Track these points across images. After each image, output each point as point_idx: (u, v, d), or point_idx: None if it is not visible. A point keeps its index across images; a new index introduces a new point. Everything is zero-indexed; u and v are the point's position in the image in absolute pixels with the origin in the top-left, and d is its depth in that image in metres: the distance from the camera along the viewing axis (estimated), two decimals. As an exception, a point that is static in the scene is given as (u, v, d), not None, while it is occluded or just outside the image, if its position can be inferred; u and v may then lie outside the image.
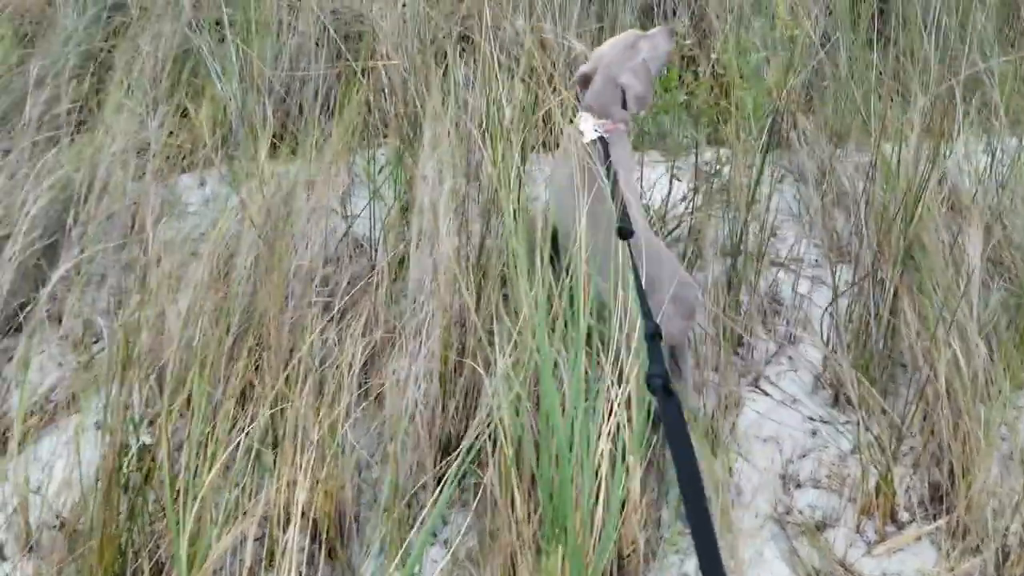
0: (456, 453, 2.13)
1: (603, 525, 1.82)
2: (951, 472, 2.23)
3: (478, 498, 2.10)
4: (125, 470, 2.02)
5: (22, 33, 4.02)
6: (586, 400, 1.88)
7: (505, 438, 1.93)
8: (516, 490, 1.91)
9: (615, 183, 2.35)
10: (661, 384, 1.59)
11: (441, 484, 2.11)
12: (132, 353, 2.05)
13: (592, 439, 1.87)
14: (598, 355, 2.01)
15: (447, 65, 3.32)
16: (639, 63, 2.58)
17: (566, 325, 2.01)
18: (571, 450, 1.79)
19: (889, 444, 2.22)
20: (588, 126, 2.52)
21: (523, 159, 2.84)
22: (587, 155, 2.43)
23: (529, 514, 1.93)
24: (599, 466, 1.85)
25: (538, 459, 1.88)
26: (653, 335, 1.81)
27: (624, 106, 2.56)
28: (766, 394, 2.58)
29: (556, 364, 1.94)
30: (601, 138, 2.49)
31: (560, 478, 1.75)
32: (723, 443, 2.39)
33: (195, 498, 1.95)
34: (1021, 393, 2.45)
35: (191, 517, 1.91)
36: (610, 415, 1.92)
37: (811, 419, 2.50)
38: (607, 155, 2.45)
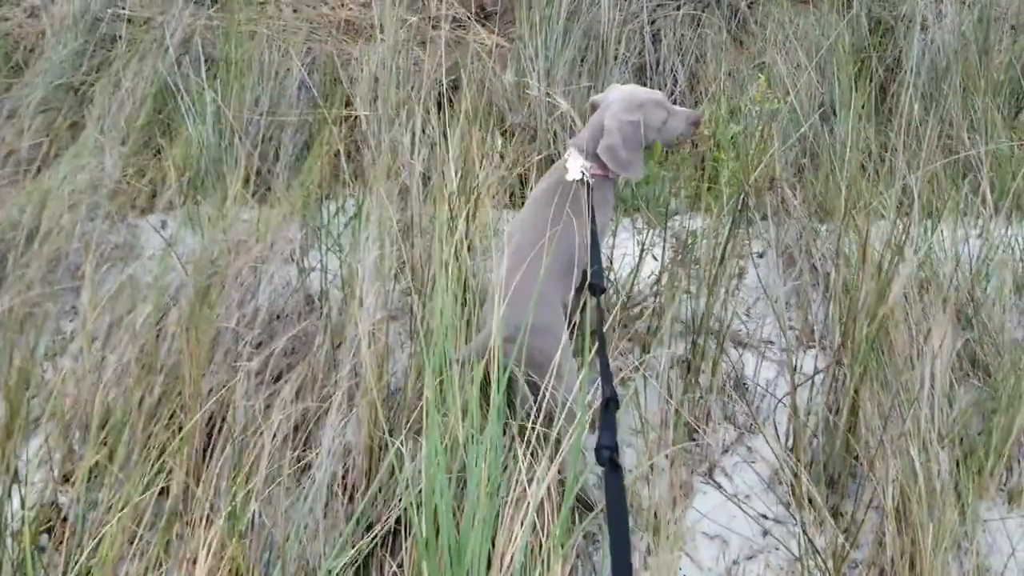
0: (371, 537, 2.01)
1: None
2: (902, 589, 2.08)
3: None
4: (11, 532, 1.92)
5: (13, 62, 4.00)
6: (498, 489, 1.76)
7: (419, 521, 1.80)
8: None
9: (593, 232, 2.24)
10: (608, 456, 1.60)
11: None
12: (22, 412, 1.94)
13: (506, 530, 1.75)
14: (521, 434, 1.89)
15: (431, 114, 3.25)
16: (633, 122, 2.40)
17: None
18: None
19: (835, 555, 2.07)
20: (575, 165, 2.41)
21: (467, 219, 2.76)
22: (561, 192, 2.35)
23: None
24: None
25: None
26: (608, 401, 1.75)
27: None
28: (719, 487, 2.43)
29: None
30: (585, 180, 2.38)
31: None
32: (668, 537, 2.24)
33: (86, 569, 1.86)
34: (985, 503, 2.30)
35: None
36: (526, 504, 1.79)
37: (764, 517, 2.35)
38: (588, 199, 2.34)
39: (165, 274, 2.50)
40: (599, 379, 1.83)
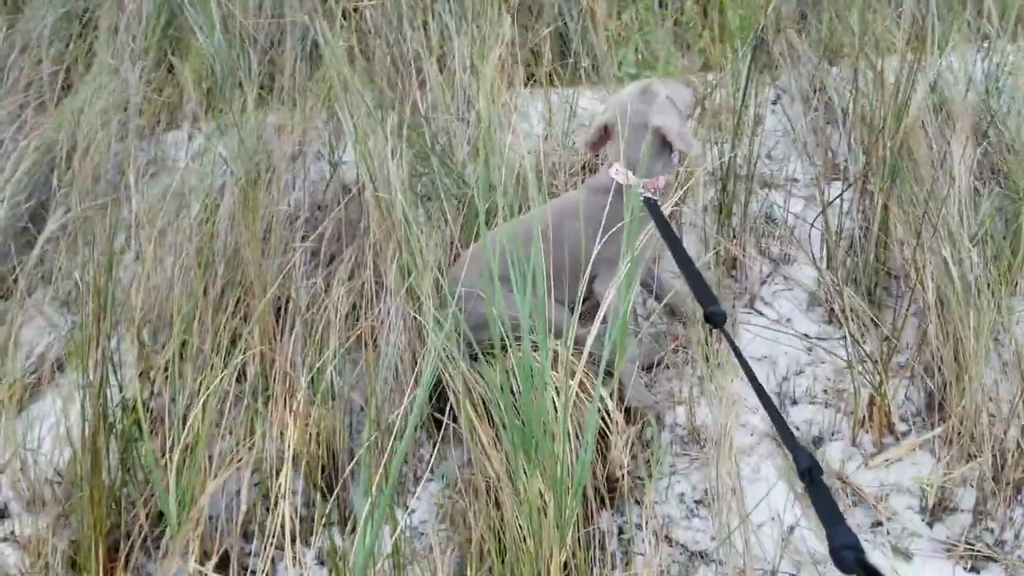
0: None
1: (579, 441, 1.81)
2: (945, 382, 2.20)
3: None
4: (113, 423, 2.04)
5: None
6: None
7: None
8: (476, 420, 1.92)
9: (681, 254, 2.03)
10: (857, 558, 1.25)
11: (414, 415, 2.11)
12: (108, 306, 2.05)
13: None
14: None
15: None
16: (664, 100, 2.28)
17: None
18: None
19: (882, 357, 2.19)
20: (631, 181, 2.23)
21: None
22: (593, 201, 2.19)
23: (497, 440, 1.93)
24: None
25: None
26: (810, 472, 1.47)
27: (666, 156, 2.30)
28: (761, 314, 2.55)
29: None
30: (648, 199, 2.19)
31: (523, 394, 1.73)
32: (720, 364, 2.37)
33: (186, 448, 1.98)
34: (1017, 298, 2.42)
35: (180, 466, 1.94)
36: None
37: (806, 336, 2.47)
38: (659, 219, 2.14)
39: (206, 178, 2.58)
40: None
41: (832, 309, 2.49)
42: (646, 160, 2.22)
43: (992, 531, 2.02)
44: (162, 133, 3.22)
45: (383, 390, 2.18)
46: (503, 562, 1.82)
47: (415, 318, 2.22)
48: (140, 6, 3.55)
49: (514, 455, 1.77)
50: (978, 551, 1.98)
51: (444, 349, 2.03)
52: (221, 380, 2.09)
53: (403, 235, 2.24)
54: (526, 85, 3.28)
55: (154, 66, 3.39)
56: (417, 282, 2.19)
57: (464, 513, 1.98)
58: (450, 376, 2.04)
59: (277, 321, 2.34)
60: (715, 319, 1.88)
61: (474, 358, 2.17)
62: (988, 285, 2.23)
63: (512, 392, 1.81)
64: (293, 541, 1.90)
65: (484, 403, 2.01)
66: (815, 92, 3.10)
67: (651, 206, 2.16)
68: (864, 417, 2.23)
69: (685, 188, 2.63)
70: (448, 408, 2.14)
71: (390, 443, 1.93)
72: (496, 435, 1.92)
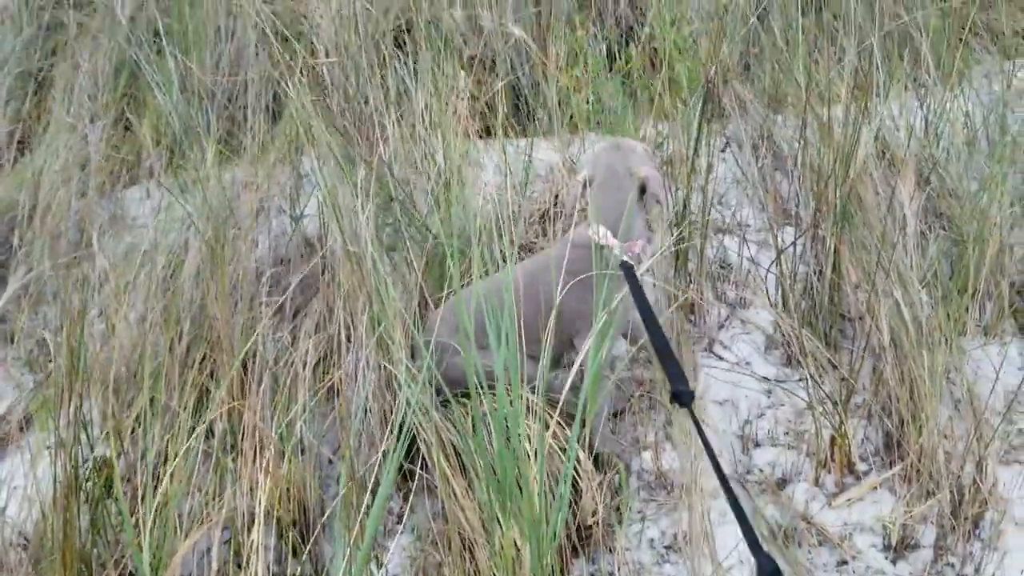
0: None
1: (553, 494, 1.84)
2: (902, 421, 2.28)
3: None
4: (83, 483, 2.03)
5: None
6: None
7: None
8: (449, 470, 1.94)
9: (653, 326, 1.99)
10: None
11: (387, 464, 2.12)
12: (79, 365, 2.04)
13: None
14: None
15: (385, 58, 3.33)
16: (642, 152, 2.34)
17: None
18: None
19: (840, 398, 2.26)
20: (612, 243, 2.22)
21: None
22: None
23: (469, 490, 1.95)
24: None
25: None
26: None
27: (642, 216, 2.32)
28: (720, 358, 2.61)
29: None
30: (624, 263, 2.17)
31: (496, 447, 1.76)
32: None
33: (155, 508, 1.96)
34: (965, 338, 2.51)
35: (152, 524, 1.92)
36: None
37: (765, 379, 2.54)
38: (634, 285, 2.09)
39: (169, 233, 2.59)
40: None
41: (790, 352, 2.56)
42: (628, 217, 2.23)
43: (953, 566, 2.08)
44: (121, 191, 3.22)
45: (355, 441, 2.18)
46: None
47: (385, 368, 2.24)
48: (96, 65, 3.56)
49: (489, 506, 1.79)
50: (941, 586, 2.04)
51: (417, 400, 2.05)
52: (191, 437, 2.09)
53: (373, 286, 2.26)
54: (482, 137, 3.35)
55: (112, 124, 3.39)
56: (388, 332, 2.21)
57: (439, 567, 1.99)
58: (421, 427, 2.06)
59: (245, 375, 2.34)
60: (682, 398, 1.86)
61: (445, 404, 2.19)
62: (939, 326, 2.32)
63: (485, 442, 1.83)
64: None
65: (457, 453, 2.03)
66: (763, 140, 3.20)
67: (627, 271, 2.14)
68: (826, 457, 2.28)
69: (659, 253, 2.69)
70: (419, 459, 2.16)
71: (365, 498, 1.93)
72: (469, 485, 1.94)
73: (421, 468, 2.16)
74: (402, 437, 1.82)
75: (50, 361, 2.62)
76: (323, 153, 2.54)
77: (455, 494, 1.94)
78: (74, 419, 1.95)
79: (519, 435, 1.78)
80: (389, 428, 2.07)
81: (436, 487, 2.06)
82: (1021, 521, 2.17)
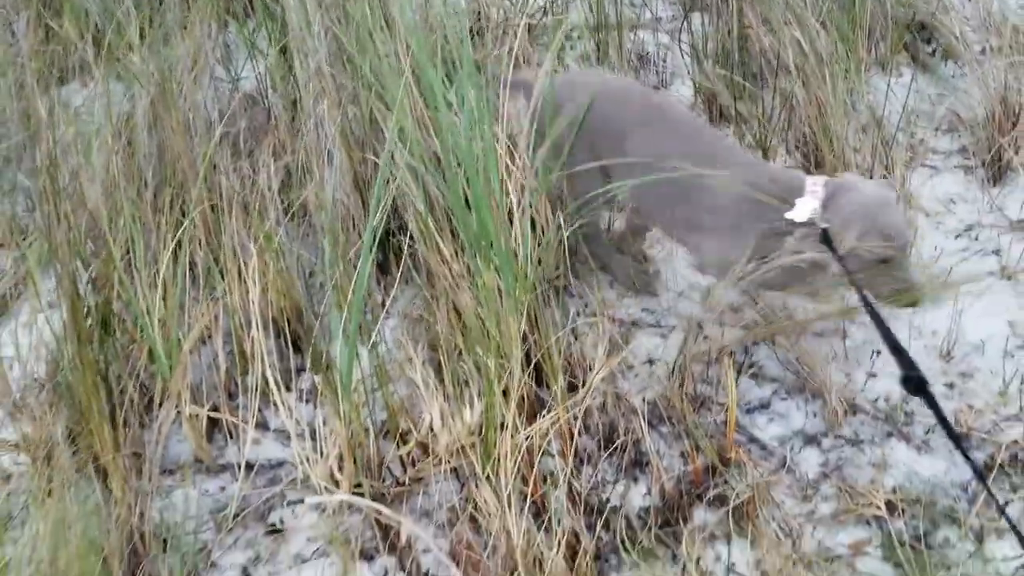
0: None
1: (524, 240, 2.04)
2: (817, 146, 2.52)
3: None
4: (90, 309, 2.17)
5: None
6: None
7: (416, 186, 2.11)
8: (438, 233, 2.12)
9: (877, 316, 1.84)
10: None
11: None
12: (60, 212, 2.17)
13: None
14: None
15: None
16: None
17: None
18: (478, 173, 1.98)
19: (766, 140, 2.50)
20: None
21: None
22: None
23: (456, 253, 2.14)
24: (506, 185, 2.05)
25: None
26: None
27: None
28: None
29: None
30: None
31: (474, 195, 1.94)
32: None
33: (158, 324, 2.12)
34: (865, 74, 2.76)
35: (158, 332, 2.09)
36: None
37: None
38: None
39: (116, 104, 2.68)
40: None
41: (711, 111, 2.79)
42: None
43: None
44: (57, 88, 3.28)
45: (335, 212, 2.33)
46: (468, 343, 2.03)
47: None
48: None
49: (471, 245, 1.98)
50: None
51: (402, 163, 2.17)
52: (176, 266, 2.23)
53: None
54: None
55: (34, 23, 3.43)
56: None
57: (427, 324, 2.18)
58: (408, 185, 2.19)
59: (213, 211, 2.48)
60: (913, 383, 1.74)
61: None
62: (837, 60, 2.56)
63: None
64: (277, 387, 2.08)
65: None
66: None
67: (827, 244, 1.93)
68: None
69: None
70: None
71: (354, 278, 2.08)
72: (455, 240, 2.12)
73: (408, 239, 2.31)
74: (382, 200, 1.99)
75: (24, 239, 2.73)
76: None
77: (439, 249, 2.11)
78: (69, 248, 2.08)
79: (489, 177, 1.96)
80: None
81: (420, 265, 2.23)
82: (929, 211, 2.46)
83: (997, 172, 2.56)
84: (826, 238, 1.88)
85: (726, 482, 1.91)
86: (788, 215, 1.93)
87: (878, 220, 1.87)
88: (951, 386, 2.10)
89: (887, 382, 2.11)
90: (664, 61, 3.03)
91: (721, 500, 1.88)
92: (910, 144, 2.60)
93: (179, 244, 2.38)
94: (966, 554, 1.75)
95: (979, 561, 1.72)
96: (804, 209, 1.92)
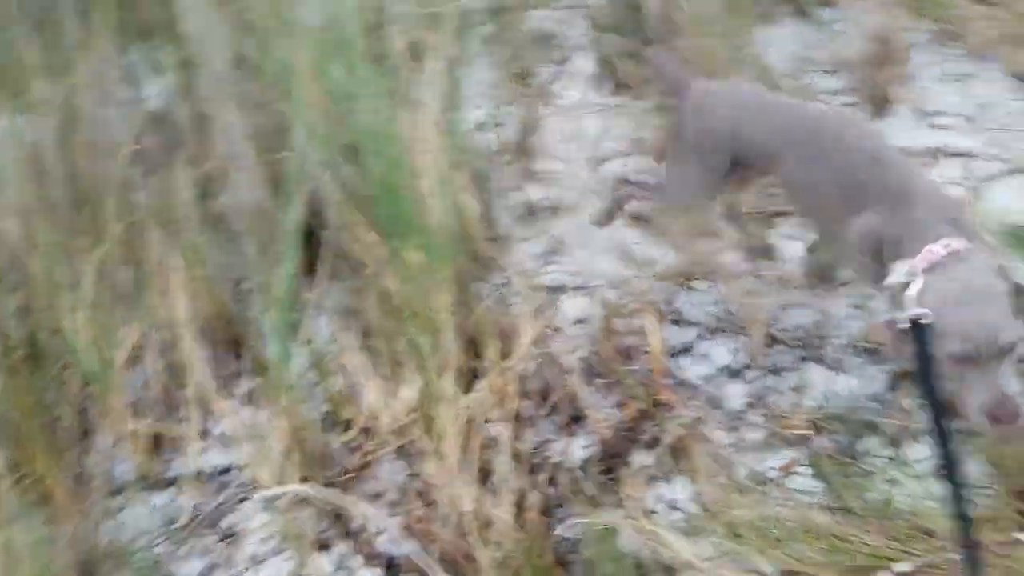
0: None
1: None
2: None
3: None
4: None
5: None
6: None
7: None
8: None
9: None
10: None
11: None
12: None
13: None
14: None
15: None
16: None
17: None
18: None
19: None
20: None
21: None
22: None
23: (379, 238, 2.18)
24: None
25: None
26: None
27: None
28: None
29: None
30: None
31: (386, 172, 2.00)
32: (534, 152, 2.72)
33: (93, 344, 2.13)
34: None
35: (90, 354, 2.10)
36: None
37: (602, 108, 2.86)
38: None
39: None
40: None
41: (618, 83, 2.91)
42: None
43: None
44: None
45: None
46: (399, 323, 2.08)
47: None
48: None
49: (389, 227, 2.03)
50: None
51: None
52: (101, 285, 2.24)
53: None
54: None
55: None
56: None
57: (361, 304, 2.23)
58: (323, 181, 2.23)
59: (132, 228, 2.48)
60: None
61: None
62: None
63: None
64: (215, 394, 2.10)
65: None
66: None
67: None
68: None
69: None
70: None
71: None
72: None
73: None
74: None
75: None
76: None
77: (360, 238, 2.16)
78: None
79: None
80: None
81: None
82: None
83: (881, 106, 2.70)
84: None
85: (659, 425, 1.98)
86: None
87: (962, 316, 1.50)
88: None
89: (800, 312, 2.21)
90: (564, 37, 3.12)
91: (657, 441, 1.95)
92: (799, 87, 2.70)
93: (102, 264, 2.40)
94: (886, 460, 1.85)
95: (898, 465, 1.82)
96: (899, 278, 1.61)
